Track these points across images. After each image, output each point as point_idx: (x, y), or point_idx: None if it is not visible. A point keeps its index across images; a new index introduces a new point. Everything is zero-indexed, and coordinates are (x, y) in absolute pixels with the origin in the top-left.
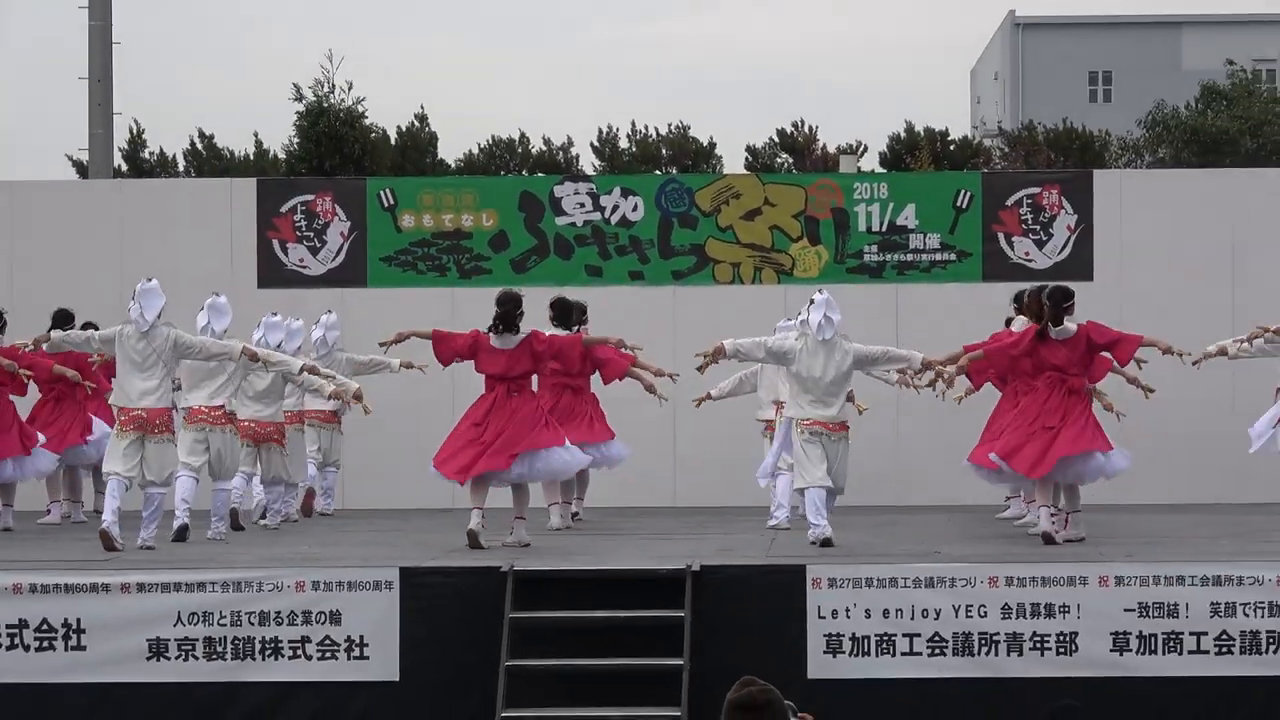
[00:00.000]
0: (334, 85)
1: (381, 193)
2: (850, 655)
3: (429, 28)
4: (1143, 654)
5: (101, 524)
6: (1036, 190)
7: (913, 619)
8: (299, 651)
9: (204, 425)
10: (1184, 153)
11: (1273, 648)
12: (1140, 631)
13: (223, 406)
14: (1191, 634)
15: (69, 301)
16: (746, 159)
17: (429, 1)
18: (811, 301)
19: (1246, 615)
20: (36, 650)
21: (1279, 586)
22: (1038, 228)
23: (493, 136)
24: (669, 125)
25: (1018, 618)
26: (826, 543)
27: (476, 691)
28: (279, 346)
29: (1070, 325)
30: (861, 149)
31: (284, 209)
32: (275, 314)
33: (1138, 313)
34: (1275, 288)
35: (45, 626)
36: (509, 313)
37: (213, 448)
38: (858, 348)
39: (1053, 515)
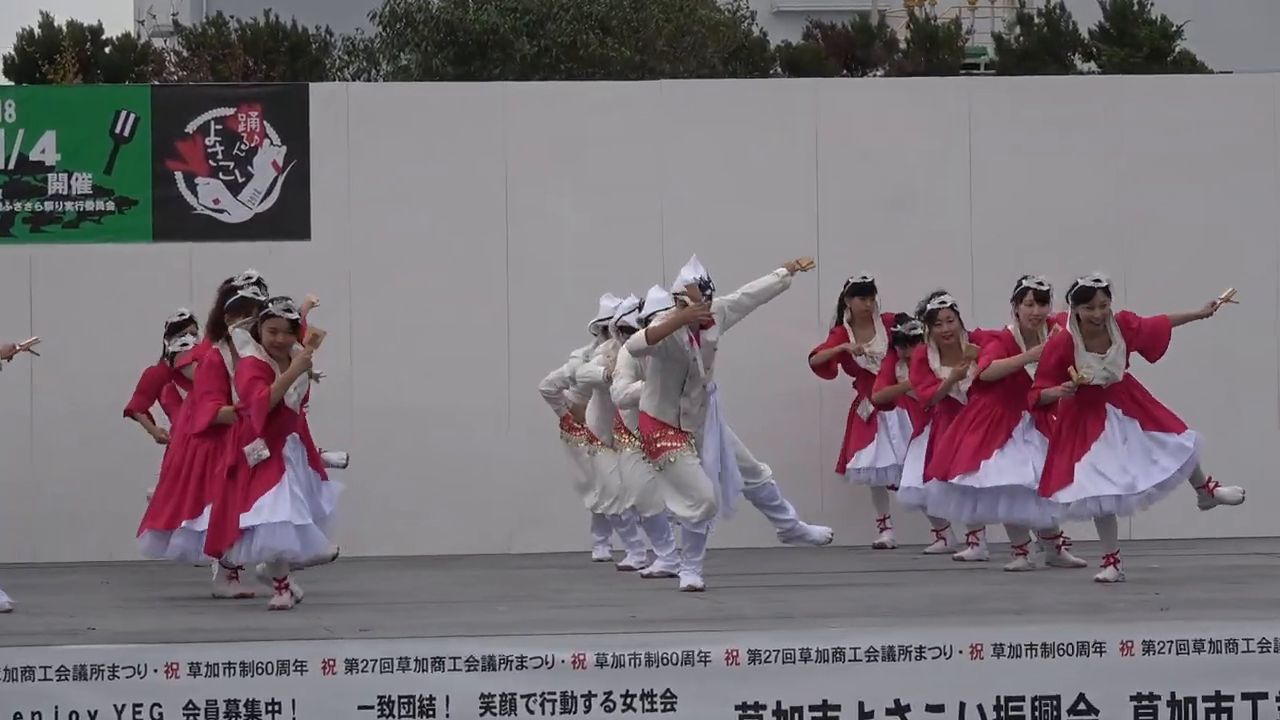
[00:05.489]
0: None
1: None
2: None
3: None
4: None
5: None
6: (230, 111)
7: None
8: None
9: None
10: (438, 59)
11: None
12: None
13: None
14: None
15: None
16: None
17: None
18: None
19: (530, 711)
20: None
21: (575, 670)
22: (231, 164)
23: None
24: None
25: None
26: None
27: None
28: None
29: None
30: None
31: None
32: None
33: (368, 280)
34: (547, 229)
35: None
36: None
37: None
38: None
39: None
